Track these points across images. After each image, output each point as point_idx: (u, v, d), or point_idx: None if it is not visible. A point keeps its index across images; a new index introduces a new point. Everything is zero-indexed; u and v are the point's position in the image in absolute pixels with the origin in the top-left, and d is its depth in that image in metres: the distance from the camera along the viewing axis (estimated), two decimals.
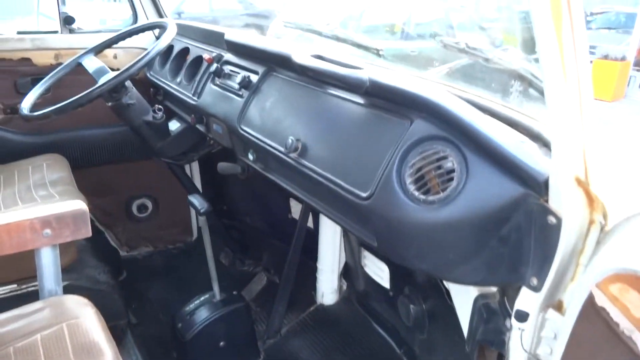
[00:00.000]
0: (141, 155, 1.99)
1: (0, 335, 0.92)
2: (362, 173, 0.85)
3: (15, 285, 1.37)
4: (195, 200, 1.37)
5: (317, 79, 1.04)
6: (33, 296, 1.39)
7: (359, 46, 1.38)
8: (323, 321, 1.68)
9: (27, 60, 1.76)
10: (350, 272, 1.69)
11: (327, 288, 1.70)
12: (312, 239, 1.69)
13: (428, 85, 0.84)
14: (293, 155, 1.00)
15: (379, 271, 1.48)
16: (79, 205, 1.03)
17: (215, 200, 1.96)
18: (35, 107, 1.49)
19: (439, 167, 0.76)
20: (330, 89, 1.02)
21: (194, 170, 2.15)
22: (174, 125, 1.66)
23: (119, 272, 1.93)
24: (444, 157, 0.76)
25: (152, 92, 1.83)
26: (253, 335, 1.57)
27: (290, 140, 1.00)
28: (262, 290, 1.82)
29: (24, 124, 1.81)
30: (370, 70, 0.92)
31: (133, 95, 1.51)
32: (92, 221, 2.02)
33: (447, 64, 1.21)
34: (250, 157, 1.20)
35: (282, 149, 1.03)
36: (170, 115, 1.69)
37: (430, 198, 0.75)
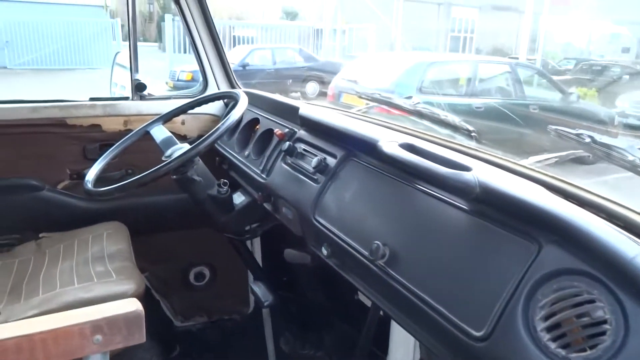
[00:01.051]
0: (202, 222, 1.91)
1: None
2: (473, 303, 0.68)
3: None
4: (259, 290, 1.24)
5: (407, 172, 0.90)
6: None
7: (446, 125, 1.23)
8: None
9: (97, 126, 1.74)
10: None
11: None
12: (382, 327, 1.51)
13: (559, 200, 0.67)
14: (379, 262, 0.85)
15: None
16: (135, 306, 0.91)
17: (274, 273, 1.83)
18: (99, 179, 1.44)
19: (583, 315, 0.58)
20: (423, 185, 0.87)
21: (254, 240, 2.05)
22: (238, 199, 1.56)
23: (172, 348, 1.82)
24: (590, 302, 0.58)
25: (217, 160, 1.75)
26: None
27: (375, 245, 0.85)
28: None
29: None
30: (480, 170, 0.77)
31: (199, 169, 1.43)
32: (148, 289, 1.93)
33: (555, 152, 1.04)
34: (324, 251, 1.05)
35: (365, 253, 0.89)
36: (234, 186, 1.60)
37: (573, 356, 0.57)
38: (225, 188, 1.47)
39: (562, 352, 0.58)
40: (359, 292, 1.66)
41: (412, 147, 0.91)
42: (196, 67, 1.95)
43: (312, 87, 10.49)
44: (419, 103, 1.34)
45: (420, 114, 1.31)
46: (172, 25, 12.30)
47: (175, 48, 12.57)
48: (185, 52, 12.86)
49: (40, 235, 1.66)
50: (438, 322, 0.72)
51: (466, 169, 0.77)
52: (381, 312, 1.53)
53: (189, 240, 1.98)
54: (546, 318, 0.60)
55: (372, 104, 1.57)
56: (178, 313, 2.05)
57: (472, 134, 1.16)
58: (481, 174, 0.76)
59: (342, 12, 17.36)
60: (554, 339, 0.59)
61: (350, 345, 1.49)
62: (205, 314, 2.09)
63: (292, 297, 1.97)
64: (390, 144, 0.92)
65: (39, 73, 12.70)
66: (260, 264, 1.96)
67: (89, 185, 1.38)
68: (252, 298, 2.17)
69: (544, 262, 0.63)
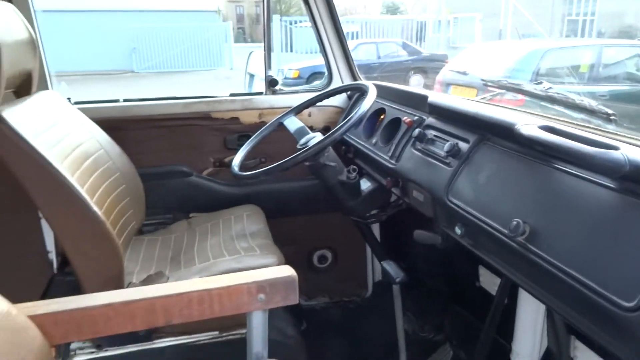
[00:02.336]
0: (326, 208, 2.04)
1: None
2: (623, 277, 0.71)
3: (217, 333, 1.47)
4: (390, 267, 1.33)
5: (547, 153, 0.93)
6: (232, 344, 1.48)
7: (581, 109, 1.22)
8: None
9: (236, 119, 1.94)
10: (552, 358, 1.47)
11: None
12: (506, 315, 1.52)
13: None
14: (519, 239, 0.89)
15: None
16: (290, 272, 1.04)
17: (393, 257, 1.90)
18: (243, 165, 1.61)
19: None
20: (564, 165, 0.90)
21: (373, 225, 2.14)
22: (364, 185, 1.66)
23: (300, 322, 1.97)
24: None
25: (343, 149, 1.87)
26: None
27: (515, 223, 0.89)
28: None
29: (228, 177, 1.98)
30: (627, 149, 0.78)
31: (331, 156, 1.55)
32: None
33: None
34: (458, 231, 1.11)
35: (504, 230, 0.93)
36: (360, 173, 1.70)
37: None
38: (354, 174, 1.57)
39: None
40: (480, 280, 1.68)
41: (552, 128, 0.93)
42: (301, 65, 2.08)
43: (416, 80, 10.40)
44: (550, 88, 1.33)
45: (552, 99, 1.30)
46: (279, 26, 12.84)
47: (282, 47, 13.11)
48: (289, 51, 13.37)
49: (190, 215, 1.89)
50: (585, 295, 0.75)
51: (614, 147, 0.79)
52: (506, 301, 1.54)
53: (313, 225, 2.12)
54: None
55: (496, 91, 1.58)
56: (303, 292, 2.21)
57: (612, 117, 1.14)
58: (629, 152, 0.77)
59: (446, 2, 16.87)
60: None
61: (471, 331, 1.52)
62: (327, 295, 2.22)
63: (413, 283, 2.04)
64: (529, 126, 0.96)
65: (162, 76, 13.92)
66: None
67: (237, 170, 1.55)
68: (370, 282, 2.27)
69: None
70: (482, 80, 1.64)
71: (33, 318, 0.85)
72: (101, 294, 0.96)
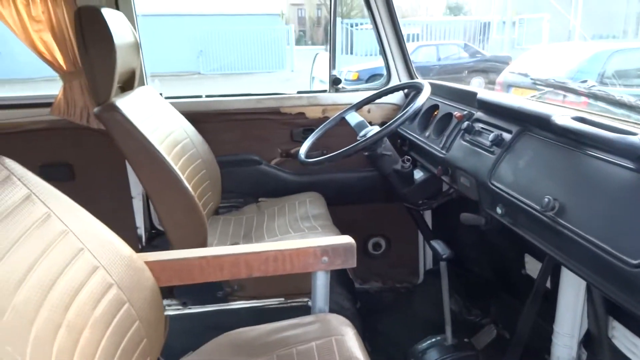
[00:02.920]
0: (382, 198, 2.21)
1: (287, 337, 1.15)
2: (632, 240, 0.84)
3: (282, 299, 1.67)
4: (438, 245, 1.48)
5: (579, 141, 1.06)
6: (296, 310, 1.68)
7: (622, 105, 1.33)
8: None
9: (302, 114, 2.15)
10: (593, 341, 1.56)
11: (564, 353, 1.60)
12: (548, 299, 1.63)
13: None
14: (549, 214, 1.03)
15: (632, 346, 1.35)
16: (349, 240, 1.23)
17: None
18: (308, 155, 1.81)
19: None
20: (592, 151, 1.03)
21: (426, 216, 2.28)
22: (417, 174, 1.81)
23: (356, 301, 2.15)
24: None
25: (398, 142, 2.03)
26: None
27: (546, 200, 1.03)
28: (491, 343, 1.80)
29: (293, 166, 2.20)
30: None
31: (387, 147, 1.72)
32: None
33: None
34: (499, 210, 1.25)
35: (537, 207, 1.07)
36: (414, 164, 1.86)
37: None
38: (408, 164, 1.74)
39: None
40: (526, 267, 1.79)
41: (583, 119, 1.06)
42: (360, 68, 2.25)
43: (477, 82, 10.28)
44: (594, 86, 1.44)
45: (595, 96, 1.41)
46: (340, 28, 13.08)
47: (342, 49, 13.32)
48: (349, 53, 13.56)
49: (259, 199, 2.12)
50: (600, 256, 0.88)
51: (632, 133, 0.92)
52: (548, 285, 1.65)
53: (369, 214, 2.30)
54: None
55: (545, 89, 1.69)
56: (358, 276, 2.38)
57: None
58: None
59: (512, 2, 16.46)
60: None
61: (516, 316, 1.63)
62: (380, 280, 2.39)
63: (461, 271, 2.17)
64: (563, 117, 1.09)
65: (226, 77, 14.51)
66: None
67: (303, 157, 1.76)
68: (422, 270, 2.41)
69: None
70: (532, 79, 1.75)
71: (147, 263, 1.08)
72: (196, 249, 1.18)
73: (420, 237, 2.36)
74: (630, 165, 0.92)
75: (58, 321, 0.79)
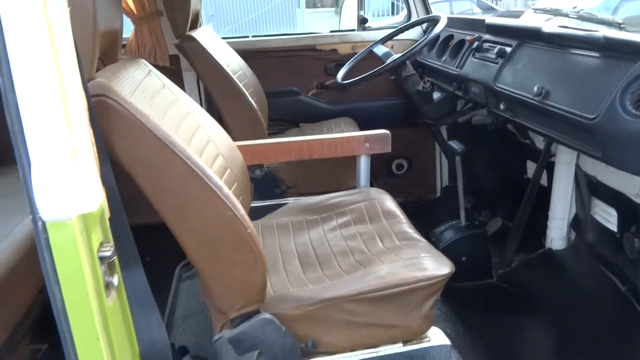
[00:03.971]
0: (404, 123, 2.56)
1: (340, 202, 1.53)
2: (592, 102, 1.19)
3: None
4: (454, 144, 1.84)
5: (561, 44, 1.40)
6: None
7: (602, 22, 1.66)
8: (550, 262, 1.97)
9: (334, 50, 2.49)
10: (580, 223, 1.93)
11: (557, 234, 1.98)
12: (545, 194, 1.99)
13: None
14: (538, 98, 1.38)
15: (607, 216, 1.72)
16: (385, 131, 1.59)
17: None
18: (343, 79, 2.17)
19: None
20: (573, 50, 1.37)
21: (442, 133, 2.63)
22: (436, 95, 2.16)
23: None
24: None
25: (419, 71, 2.36)
26: (488, 260, 1.96)
27: (536, 88, 1.38)
28: (497, 231, 2.19)
29: (327, 97, 2.55)
30: (607, 32, 1.25)
31: (410, 70, 2.06)
32: None
33: None
34: (502, 107, 1.60)
35: (529, 95, 1.42)
36: (433, 88, 2.20)
37: None
38: (428, 84, 2.08)
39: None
40: (527, 172, 2.15)
41: (565, 26, 1.40)
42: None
43: None
44: (582, 9, 1.77)
45: (582, 17, 1.74)
46: None
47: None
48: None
49: (300, 124, 2.49)
50: (569, 118, 1.24)
51: (595, 31, 1.26)
52: (545, 183, 2.00)
53: (393, 137, 2.62)
54: (634, 98, 1.09)
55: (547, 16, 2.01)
56: None
57: (622, 25, 1.57)
58: (608, 32, 1.24)
59: None
60: (636, 108, 1.08)
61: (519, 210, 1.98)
62: (403, 196, 2.76)
63: (472, 178, 2.53)
64: (550, 26, 1.43)
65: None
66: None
67: (340, 80, 2.11)
68: (438, 187, 2.78)
69: (637, 69, 1.11)
70: (533, 8, 2.07)
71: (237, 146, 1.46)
72: (271, 139, 1.56)
73: (438, 158, 2.72)
74: (595, 54, 1.27)
75: None
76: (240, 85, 1.85)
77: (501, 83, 1.60)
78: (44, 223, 0.73)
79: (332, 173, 1.93)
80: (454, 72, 1.94)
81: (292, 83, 2.51)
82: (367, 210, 1.48)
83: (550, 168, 1.93)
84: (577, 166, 1.82)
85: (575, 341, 1.64)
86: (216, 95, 1.86)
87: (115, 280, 0.85)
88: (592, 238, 1.87)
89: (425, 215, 2.57)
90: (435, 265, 1.15)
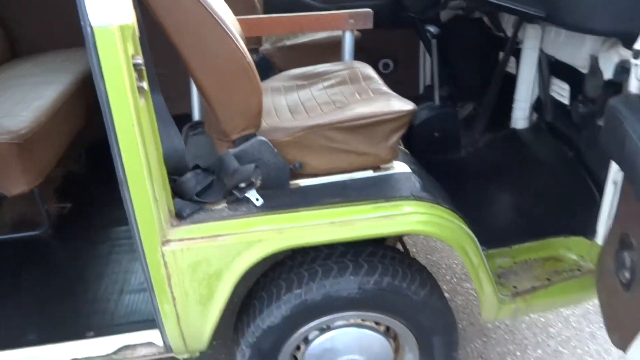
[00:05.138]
0: (389, 24, 2.73)
1: (327, 71, 1.76)
2: None
3: None
4: (432, 28, 2.04)
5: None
6: None
7: None
8: (512, 139, 2.22)
9: None
10: (541, 105, 2.17)
11: (520, 115, 2.22)
12: (512, 82, 2.21)
13: None
14: None
15: (561, 91, 1.95)
16: (367, 10, 1.79)
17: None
18: None
19: None
20: None
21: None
22: None
23: None
24: None
25: None
26: (458, 137, 2.23)
27: None
28: (469, 115, 2.44)
29: None
30: None
31: None
32: None
33: None
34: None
35: None
36: None
37: None
38: None
39: None
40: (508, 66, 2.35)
41: None
42: None
43: None
44: None
45: None
46: None
47: None
48: None
49: None
50: None
51: None
52: (513, 72, 2.22)
53: (381, 38, 2.82)
54: None
55: None
56: None
57: None
58: None
59: None
60: None
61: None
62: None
63: (450, 72, 2.74)
64: None
65: None
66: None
67: None
68: (421, 85, 3.00)
69: None
70: None
71: None
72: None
73: (422, 59, 2.92)
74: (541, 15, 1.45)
75: None
76: None
77: None
78: (92, 28, 0.96)
79: (322, 57, 2.14)
80: None
81: None
82: (350, 76, 1.71)
83: (518, 56, 2.14)
84: (541, 50, 2.03)
85: (528, 197, 1.93)
86: None
87: (145, 85, 1.09)
88: (550, 117, 2.11)
89: None
90: (401, 105, 1.40)
